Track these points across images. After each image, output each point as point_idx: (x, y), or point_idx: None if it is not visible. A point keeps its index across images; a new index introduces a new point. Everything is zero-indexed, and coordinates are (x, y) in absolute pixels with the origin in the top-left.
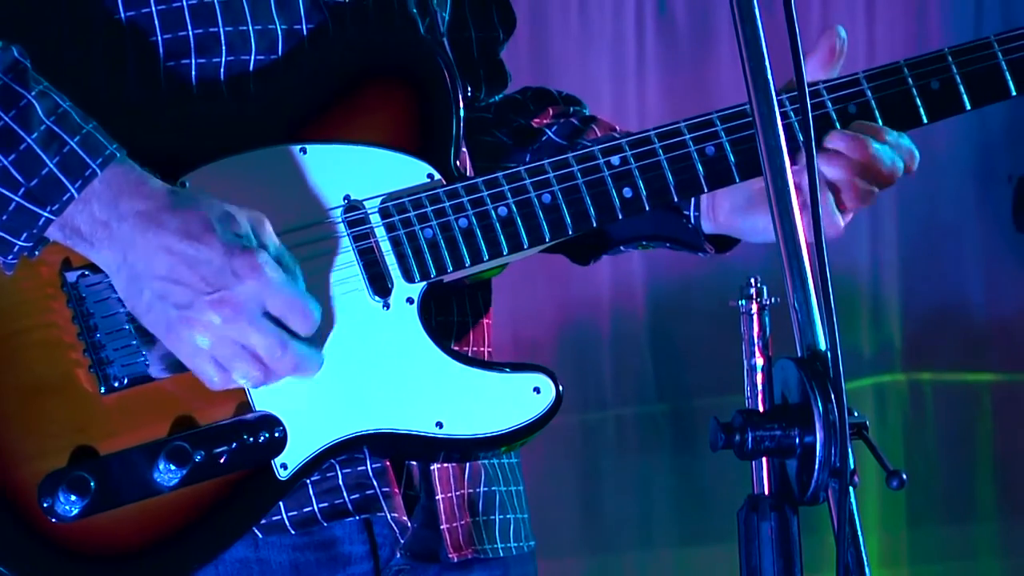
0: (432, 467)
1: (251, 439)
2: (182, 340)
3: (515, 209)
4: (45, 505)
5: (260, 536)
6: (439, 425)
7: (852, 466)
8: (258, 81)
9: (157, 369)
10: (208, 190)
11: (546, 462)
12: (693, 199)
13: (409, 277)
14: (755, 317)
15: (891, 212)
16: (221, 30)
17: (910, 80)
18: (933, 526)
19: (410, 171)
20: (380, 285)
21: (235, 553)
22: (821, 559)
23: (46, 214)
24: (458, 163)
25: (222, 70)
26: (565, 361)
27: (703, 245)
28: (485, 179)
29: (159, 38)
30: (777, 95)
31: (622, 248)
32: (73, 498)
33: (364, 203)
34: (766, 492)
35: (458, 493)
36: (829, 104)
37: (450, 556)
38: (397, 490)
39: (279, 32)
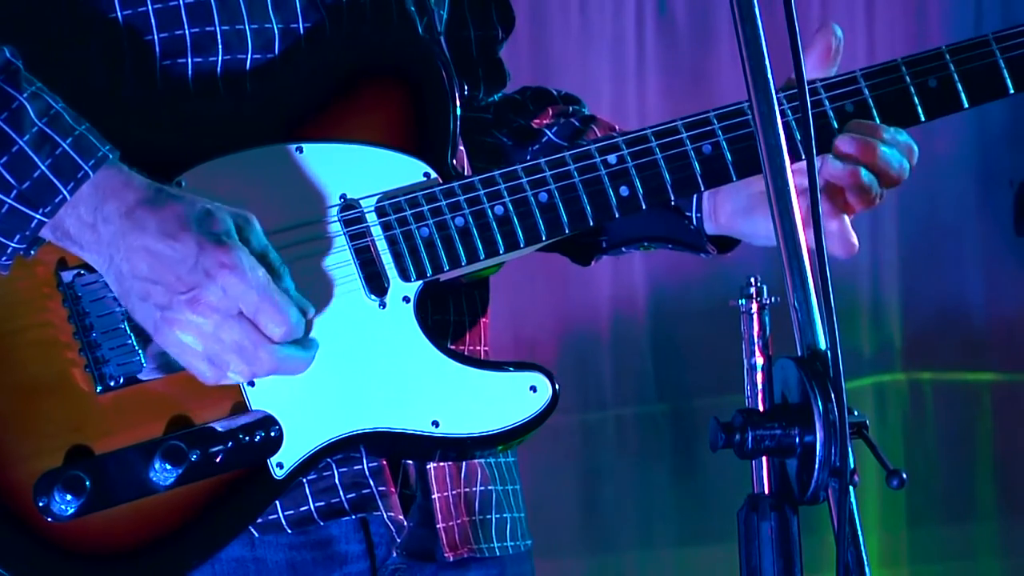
0: (428, 466)
1: (247, 438)
2: (168, 339)
3: (511, 208)
4: (41, 504)
5: (256, 535)
6: (435, 424)
7: (852, 466)
8: (254, 80)
9: (152, 368)
10: (204, 189)
11: (546, 462)
12: (695, 200)
13: (405, 276)
14: (755, 317)
15: (891, 212)
16: (217, 29)
17: (908, 78)
18: (933, 526)
19: (406, 170)
20: (376, 284)
21: (231, 552)
22: (821, 559)
23: (38, 216)
24: (455, 162)
25: (218, 69)
26: (565, 361)
27: (705, 246)
28: (482, 178)
29: (155, 37)
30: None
31: (624, 249)
32: (69, 497)
33: (360, 202)
34: (766, 492)
35: (454, 492)
36: (827, 103)
37: (446, 555)
38: (393, 489)
39: (275, 31)
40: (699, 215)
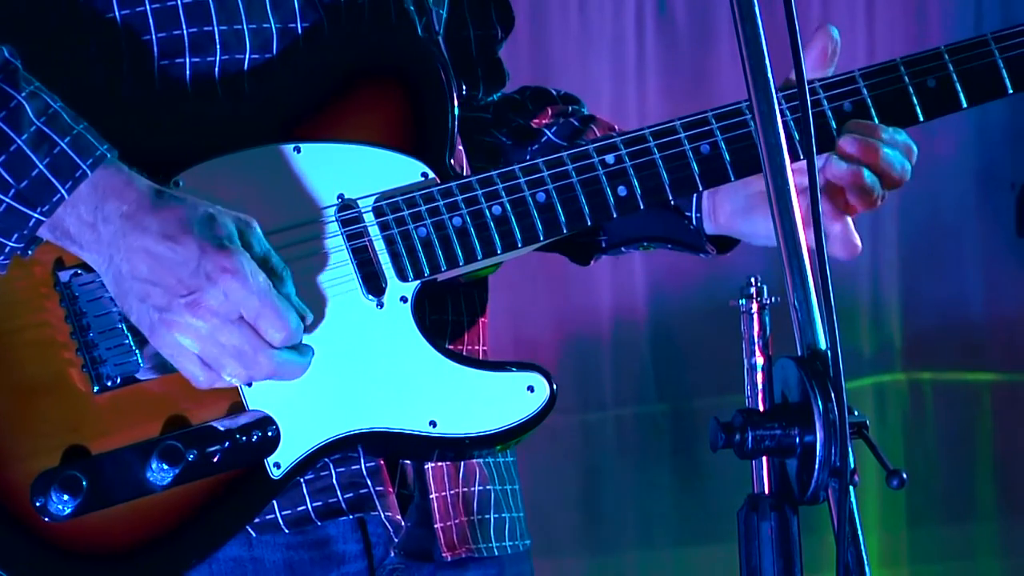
0: (426, 466)
1: (244, 438)
2: (165, 341)
3: (509, 208)
4: (38, 504)
5: (254, 535)
6: (433, 424)
7: (852, 465)
8: (252, 80)
9: (149, 368)
10: (202, 189)
11: (546, 462)
12: (695, 200)
13: (403, 276)
14: (755, 316)
15: (891, 212)
16: (215, 29)
17: (906, 78)
18: (933, 526)
19: (404, 170)
20: (374, 284)
21: (229, 552)
22: (821, 559)
23: (36, 215)
24: (452, 162)
25: (216, 69)
26: (566, 361)
27: (705, 246)
28: (479, 178)
29: (153, 37)
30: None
31: (623, 249)
32: (66, 497)
33: (358, 202)
34: (766, 492)
35: (452, 492)
36: (825, 102)
37: (444, 555)
38: (391, 489)
39: (274, 31)
40: (699, 215)
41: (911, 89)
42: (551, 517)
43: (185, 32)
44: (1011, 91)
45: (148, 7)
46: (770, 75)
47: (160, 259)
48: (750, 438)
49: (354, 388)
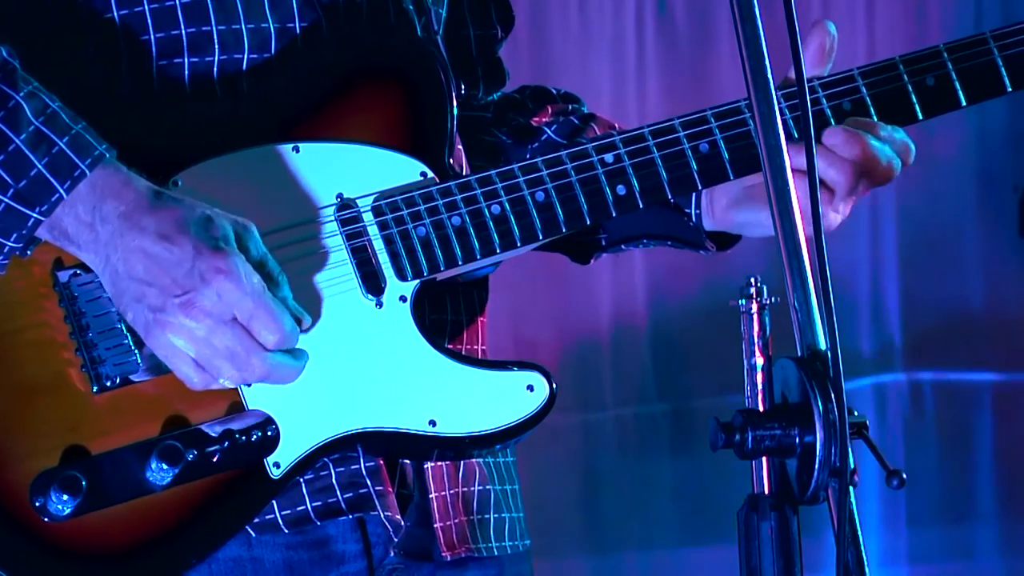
0: (426, 465)
1: (244, 438)
2: (159, 341)
3: (508, 207)
4: (37, 504)
5: (253, 535)
6: (432, 423)
7: (852, 465)
8: (251, 80)
9: (149, 368)
10: (201, 189)
11: (546, 462)
12: (694, 197)
13: (402, 275)
14: (755, 317)
15: (892, 212)
16: (214, 29)
17: (905, 76)
18: (933, 526)
19: (403, 169)
20: (373, 284)
21: (228, 552)
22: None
23: (35, 215)
24: (451, 161)
25: (215, 69)
26: (566, 361)
27: (704, 243)
28: (478, 177)
29: (151, 37)
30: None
31: (623, 247)
32: (65, 497)
33: (357, 201)
34: (766, 492)
35: (452, 492)
36: (824, 101)
37: (444, 555)
38: (391, 489)
39: (272, 30)
40: (698, 211)
41: (910, 88)
42: (551, 517)
43: (183, 32)
44: (1010, 89)
45: (146, 7)
46: (770, 75)
47: (156, 259)
48: (750, 438)
49: (353, 387)
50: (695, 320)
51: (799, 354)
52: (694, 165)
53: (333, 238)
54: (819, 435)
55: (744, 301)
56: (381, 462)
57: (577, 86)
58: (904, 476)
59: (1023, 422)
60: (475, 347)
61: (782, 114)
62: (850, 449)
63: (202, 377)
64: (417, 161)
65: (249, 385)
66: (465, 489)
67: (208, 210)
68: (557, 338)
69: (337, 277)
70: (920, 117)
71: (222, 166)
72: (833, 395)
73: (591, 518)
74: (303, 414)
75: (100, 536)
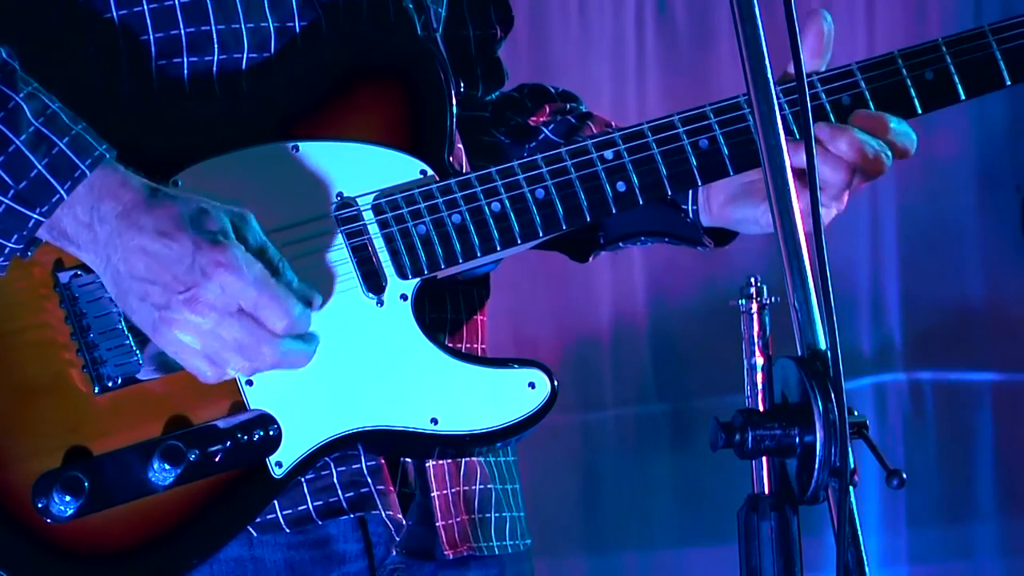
0: (427, 464)
1: (245, 437)
2: (167, 339)
3: (508, 204)
4: (40, 505)
5: (255, 535)
6: (434, 421)
7: (852, 465)
8: (250, 79)
9: (150, 368)
10: (201, 188)
11: (546, 462)
12: (691, 193)
13: (402, 273)
14: (755, 316)
15: (892, 212)
16: (213, 28)
17: (904, 71)
18: (933, 526)
19: (403, 168)
20: (374, 282)
21: (230, 552)
22: (821, 559)
23: (36, 216)
24: (451, 159)
25: (214, 68)
26: (566, 361)
27: (702, 239)
28: (478, 175)
29: (151, 37)
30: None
31: (621, 244)
32: (68, 498)
33: (357, 200)
34: (766, 492)
35: (453, 490)
36: (823, 96)
37: (446, 553)
38: (392, 488)
39: (271, 30)
40: (695, 207)
41: (909, 82)
42: (551, 517)
43: (183, 32)
44: (1009, 83)
45: (146, 7)
46: (770, 75)
47: (156, 257)
48: (750, 438)
49: (355, 386)
50: (695, 320)
51: (799, 354)
52: (693, 161)
53: (333, 237)
54: (819, 435)
55: (744, 301)
56: (382, 461)
57: (577, 86)
58: (904, 476)
59: (1023, 422)
60: (475, 346)
61: (781, 109)
62: (850, 449)
63: (214, 371)
64: (417, 160)
65: (251, 384)
66: (466, 488)
67: (204, 203)
68: (557, 337)
69: (337, 276)
70: (919, 111)
71: (222, 165)
72: (833, 395)
73: (591, 518)
74: (305, 413)
75: (102, 536)
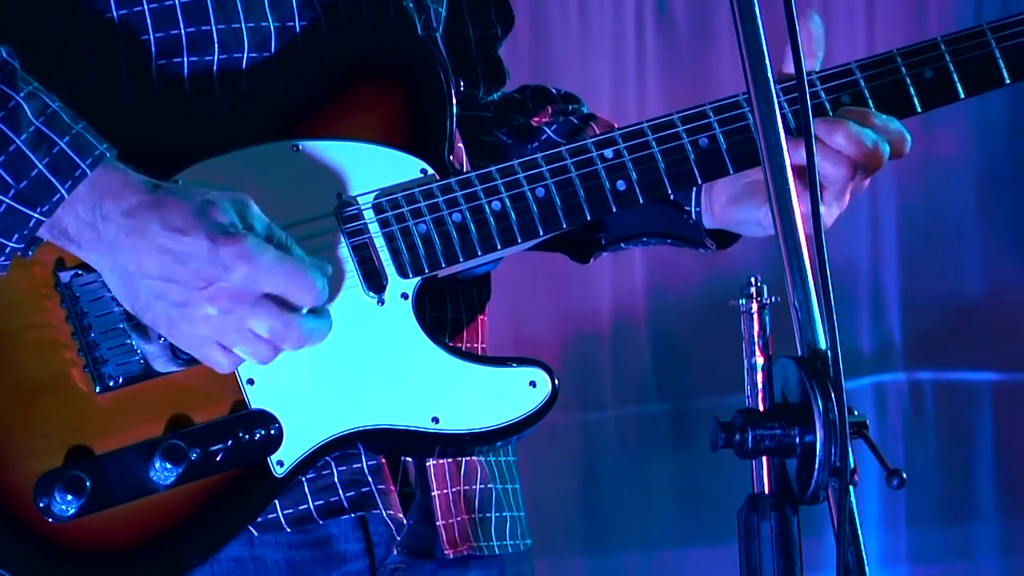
0: (428, 463)
1: (247, 436)
2: (185, 335)
3: (508, 204)
4: (41, 505)
5: (256, 534)
6: (435, 420)
7: (852, 465)
8: (250, 79)
9: (151, 367)
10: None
11: (546, 462)
12: (694, 194)
13: (403, 272)
14: (755, 316)
15: (892, 211)
16: (213, 28)
17: (903, 69)
18: (933, 526)
19: (403, 167)
20: (374, 281)
21: (231, 551)
22: (821, 559)
23: (36, 215)
24: (452, 158)
25: (214, 68)
26: (566, 361)
27: (704, 241)
28: (478, 174)
29: (151, 37)
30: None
31: (623, 245)
32: (69, 498)
33: (357, 199)
34: (766, 492)
35: (454, 490)
36: (823, 94)
37: (446, 552)
38: (393, 487)
39: (272, 29)
40: (698, 209)
41: (908, 80)
42: (551, 517)
43: (183, 31)
44: (1008, 81)
45: (146, 7)
46: (770, 75)
47: (171, 254)
48: (750, 438)
49: (356, 385)
50: (695, 320)
51: (799, 354)
52: (693, 159)
53: (334, 236)
54: (819, 435)
55: (744, 301)
56: (383, 460)
57: (577, 86)
58: (904, 476)
59: (1023, 422)
60: (475, 345)
61: (780, 108)
62: (850, 449)
63: (231, 360)
64: (417, 159)
65: (252, 383)
66: (467, 487)
67: (207, 194)
68: (557, 337)
69: (338, 275)
70: (919, 110)
71: (222, 165)
72: (833, 395)
73: (591, 518)
74: (306, 412)
75: (103, 536)
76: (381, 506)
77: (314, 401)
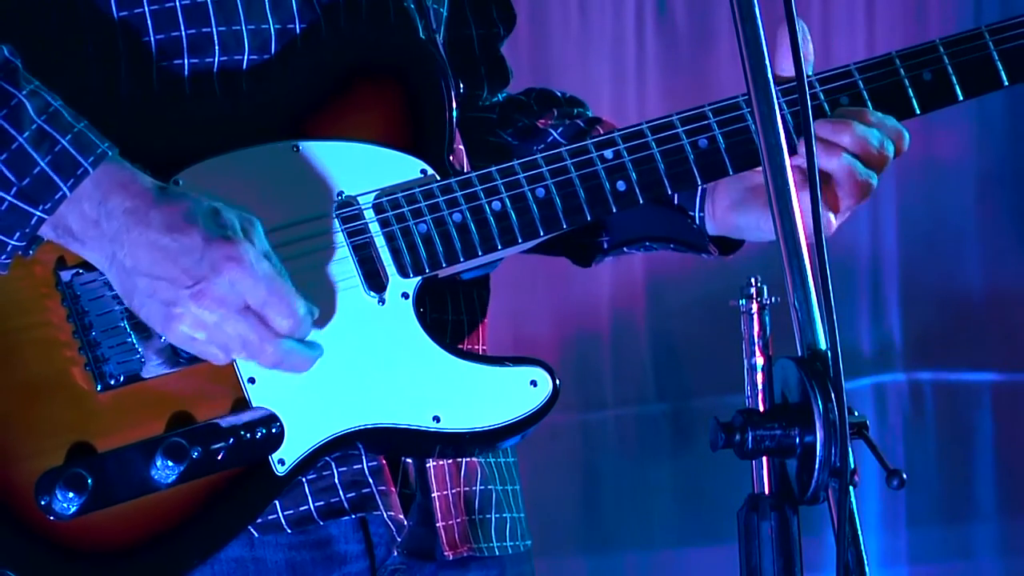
0: (428, 464)
1: (248, 435)
2: (177, 333)
3: (509, 204)
4: (43, 503)
5: (256, 535)
6: (436, 419)
7: (852, 465)
8: (251, 80)
9: (152, 365)
10: (201, 188)
11: (546, 462)
12: (698, 200)
13: (404, 272)
14: (755, 316)
15: (892, 212)
16: (214, 30)
17: (902, 71)
18: (933, 526)
19: (404, 167)
20: (375, 281)
21: (231, 552)
22: (821, 559)
23: (38, 213)
24: (452, 158)
25: (215, 69)
26: (566, 361)
27: (707, 246)
28: (479, 174)
29: (151, 38)
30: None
31: (625, 249)
32: (71, 495)
33: (358, 199)
34: (766, 492)
35: (454, 491)
36: (822, 95)
37: (446, 554)
38: (393, 488)
39: (272, 32)
40: (702, 214)
41: (907, 82)
42: (551, 517)
43: (184, 33)
44: (1007, 83)
45: (147, 8)
46: (770, 75)
47: (164, 251)
48: (750, 438)
49: (357, 384)
50: (695, 320)
51: (799, 354)
52: (693, 160)
53: (335, 236)
54: (819, 435)
55: (744, 301)
56: (383, 461)
57: (577, 86)
58: (904, 476)
59: (1023, 422)
60: (476, 347)
61: (780, 109)
62: (850, 449)
63: (228, 356)
64: (417, 159)
65: (253, 382)
66: (467, 488)
67: (214, 202)
68: (557, 337)
69: (339, 275)
70: (917, 111)
71: (222, 165)
72: (833, 395)
73: (591, 518)
74: (307, 411)
75: (104, 535)
76: (382, 507)
77: (315, 400)
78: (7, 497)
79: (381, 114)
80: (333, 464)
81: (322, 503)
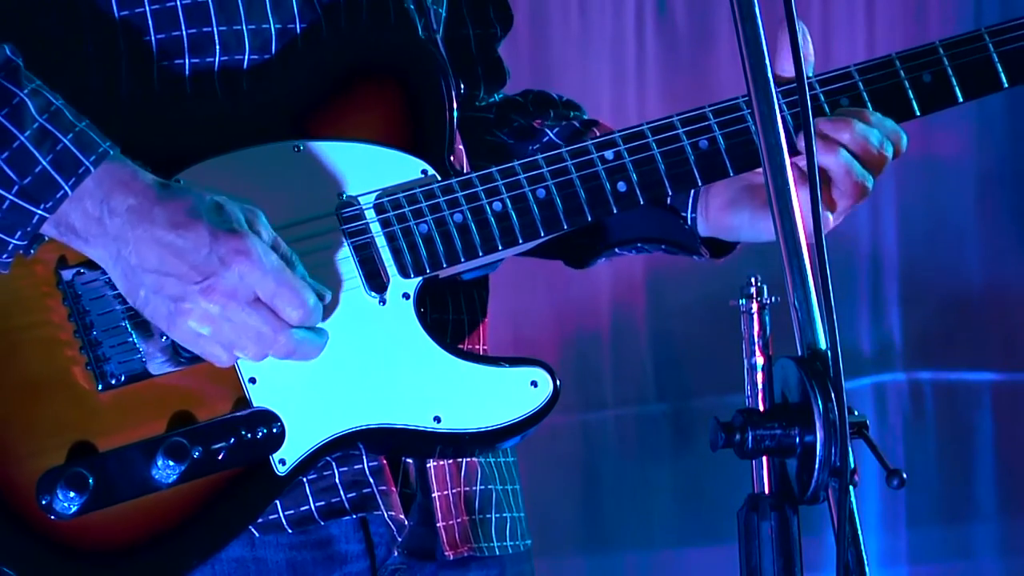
0: (428, 464)
1: (249, 435)
2: (182, 330)
3: (509, 204)
4: (44, 502)
5: (257, 535)
6: (437, 420)
7: (852, 465)
8: (251, 80)
9: (153, 365)
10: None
11: (546, 462)
12: (691, 200)
13: (404, 272)
14: (755, 316)
15: (892, 212)
16: (215, 30)
17: (902, 73)
18: (933, 526)
19: (404, 167)
20: (376, 281)
21: (232, 552)
22: (821, 559)
23: (40, 212)
24: (452, 159)
25: (215, 69)
26: (566, 361)
27: (699, 248)
28: (480, 175)
29: (152, 38)
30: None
31: (617, 251)
32: (72, 495)
33: (359, 199)
34: (766, 492)
35: (454, 491)
36: (822, 97)
37: (446, 554)
38: (394, 488)
39: (273, 32)
40: (694, 215)
41: (907, 84)
42: (551, 517)
43: (184, 33)
44: (1006, 85)
45: (147, 8)
46: (770, 75)
47: (171, 248)
48: (750, 438)
49: (358, 384)
50: (695, 319)
51: (799, 354)
52: (693, 161)
53: (335, 236)
54: (819, 435)
55: (744, 301)
56: (384, 461)
57: (577, 87)
58: (904, 476)
59: (1023, 422)
60: (476, 347)
61: (780, 111)
62: (850, 449)
63: (230, 355)
64: (418, 159)
65: (254, 381)
66: (467, 488)
67: (218, 197)
68: (557, 337)
69: (340, 275)
70: (917, 113)
71: (223, 165)
72: (833, 395)
73: (591, 518)
74: (308, 411)
75: (104, 534)
76: (382, 507)
77: (316, 400)
78: (8, 496)
79: (382, 114)
80: (334, 464)
81: (323, 503)
